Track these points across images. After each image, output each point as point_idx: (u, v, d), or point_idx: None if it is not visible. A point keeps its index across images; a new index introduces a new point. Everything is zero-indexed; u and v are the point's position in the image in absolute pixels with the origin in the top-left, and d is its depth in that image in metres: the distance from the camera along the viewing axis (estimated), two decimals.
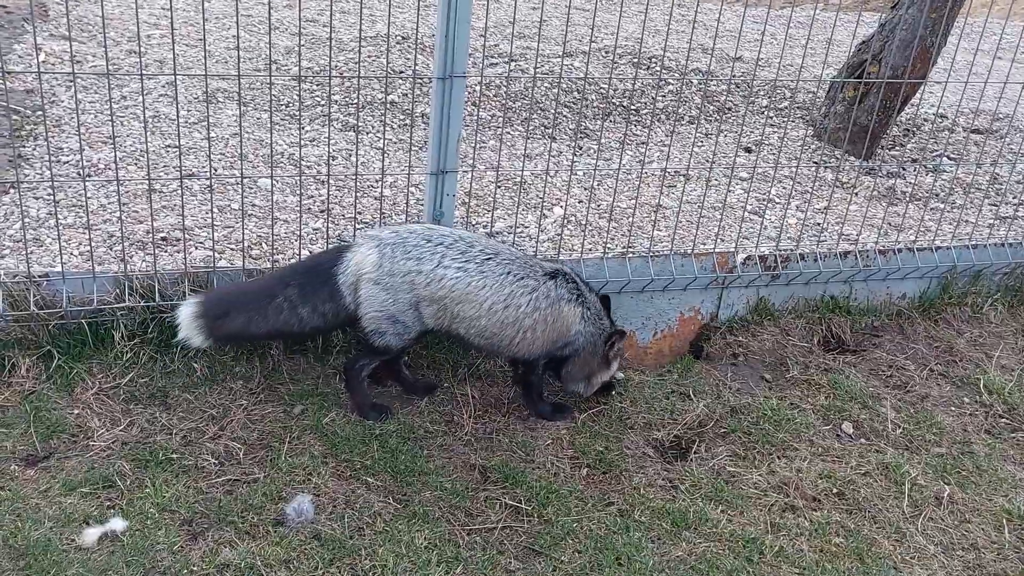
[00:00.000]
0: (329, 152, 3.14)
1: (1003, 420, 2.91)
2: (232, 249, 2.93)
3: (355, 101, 4.23)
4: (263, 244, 2.98)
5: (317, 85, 4.36)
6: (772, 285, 3.22)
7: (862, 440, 2.78)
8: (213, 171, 3.39)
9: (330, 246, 2.82)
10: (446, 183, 2.71)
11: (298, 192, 3.15)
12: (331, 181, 3.33)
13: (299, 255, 2.84)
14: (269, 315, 2.45)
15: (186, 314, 2.40)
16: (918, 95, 4.74)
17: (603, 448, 2.64)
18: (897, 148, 4.73)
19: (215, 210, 3.16)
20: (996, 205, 4.06)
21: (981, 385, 3.03)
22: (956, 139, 4.80)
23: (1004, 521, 2.48)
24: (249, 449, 2.44)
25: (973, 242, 3.45)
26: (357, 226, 3.09)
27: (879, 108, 4.29)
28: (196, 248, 2.92)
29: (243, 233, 2.89)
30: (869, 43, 4.40)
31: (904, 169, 4.45)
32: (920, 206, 3.97)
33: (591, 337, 2.68)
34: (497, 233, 3.29)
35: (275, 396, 2.64)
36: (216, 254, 2.89)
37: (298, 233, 2.95)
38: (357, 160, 2.97)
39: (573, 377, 2.75)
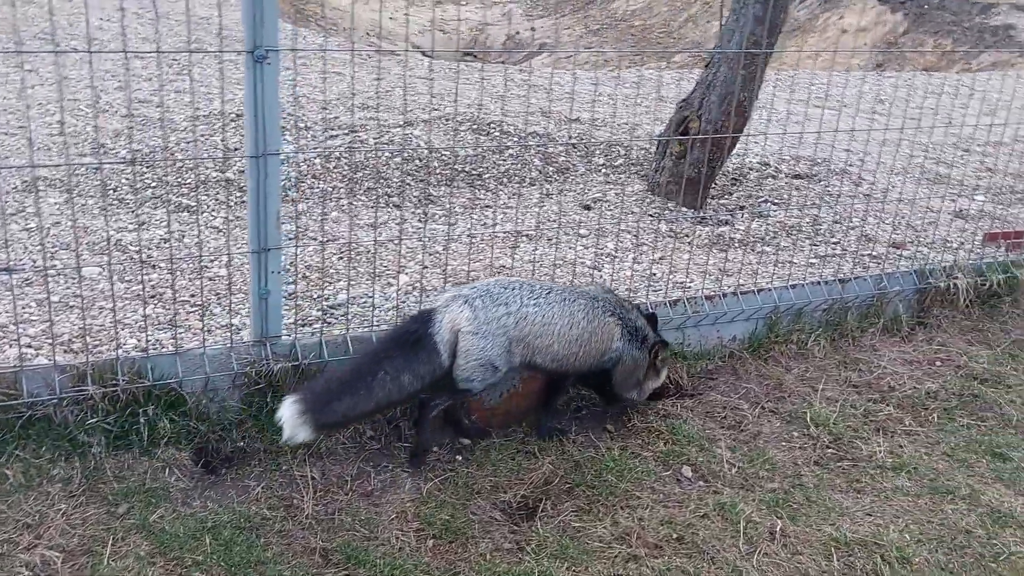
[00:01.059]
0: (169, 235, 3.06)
1: (829, 450, 3.07)
2: (51, 344, 2.79)
3: (188, 181, 4.15)
4: (86, 336, 2.86)
5: (148, 167, 4.26)
6: None
7: (700, 483, 2.87)
8: (32, 262, 3.24)
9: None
10: (270, 261, 2.68)
11: (125, 279, 3.04)
12: (161, 265, 3.24)
13: (119, 345, 2.73)
14: (374, 392, 2.62)
15: (291, 413, 2.49)
16: (741, 145, 5.05)
17: (449, 516, 2.62)
18: (726, 197, 5.00)
19: (34, 303, 3.01)
20: (816, 245, 4.33)
21: (808, 418, 3.19)
22: (779, 185, 5.12)
23: (832, 549, 2.59)
24: (68, 556, 2.30)
25: (793, 282, 3.66)
26: (187, 310, 3.00)
27: (704, 161, 4.53)
28: (10, 346, 2.77)
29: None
30: (689, 100, 4.66)
31: (733, 216, 4.70)
32: (747, 251, 4.19)
33: (632, 349, 3.02)
34: (340, 305, 3.27)
35: (97, 497, 2.50)
36: (34, 351, 2.75)
37: (119, 321, 2.84)
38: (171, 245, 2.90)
39: (624, 385, 3.08)
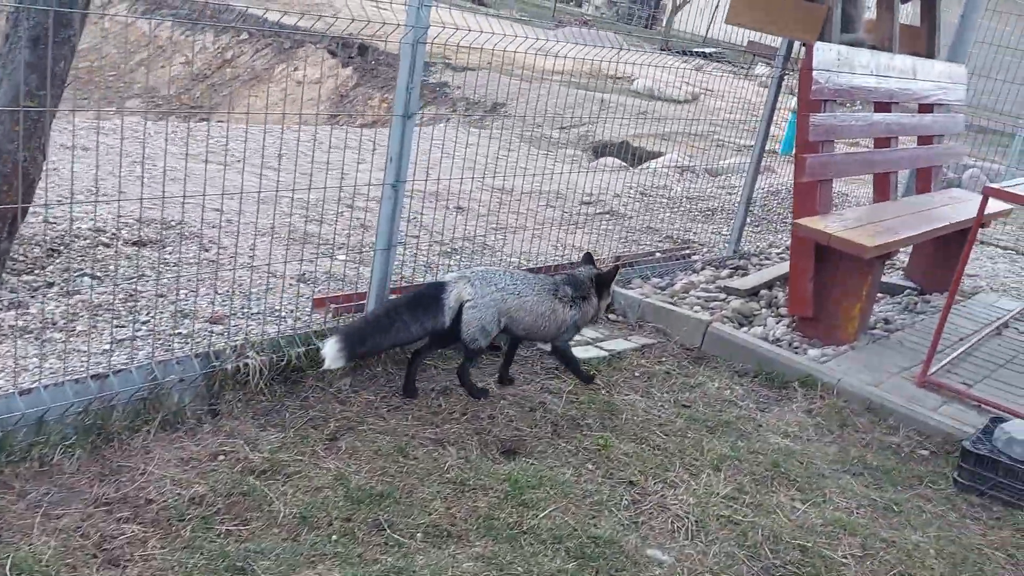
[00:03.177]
0: None
1: None
2: None
3: None
4: None
5: None
6: None
7: None
8: None
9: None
10: None
11: None
12: None
13: None
14: (390, 335, 3.67)
15: (332, 347, 3.45)
16: (83, 208, 4.32)
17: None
18: (35, 272, 4.23)
19: None
20: (123, 326, 3.76)
21: (7, 568, 2.54)
22: (109, 254, 4.48)
23: None
24: None
25: (30, 385, 3.01)
26: None
27: None
28: None
29: None
30: None
31: (34, 296, 3.94)
32: (30, 339, 3.47)
33: (579, 309, 4.02)
34: None
35: None
36: None
37: None
38: None
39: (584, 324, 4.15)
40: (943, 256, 6.26)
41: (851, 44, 5.07)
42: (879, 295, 6.23)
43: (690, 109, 12.27)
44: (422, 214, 6.38)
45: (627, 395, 4.29)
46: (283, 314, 4.15)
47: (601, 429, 3.89)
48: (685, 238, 7.14)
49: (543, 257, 5.81)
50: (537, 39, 4.62)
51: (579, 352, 4.52)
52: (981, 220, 4.35)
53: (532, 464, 3.49)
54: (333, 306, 4.20)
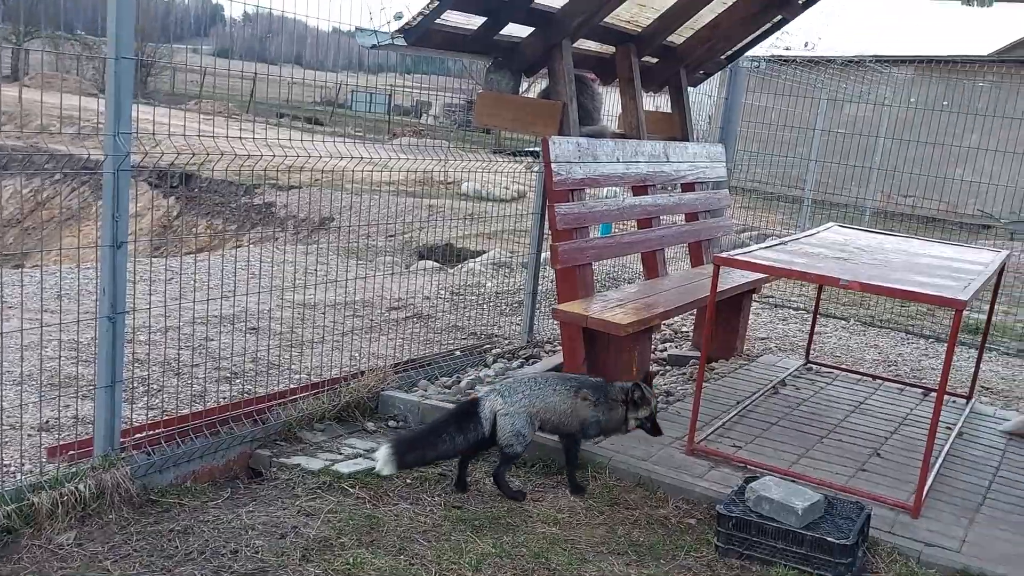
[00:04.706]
0: None
1: None
2: None
3: None
4: None
5: None
6: None
7: None
8: None
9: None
10: None
11: None
12: None
13: None
14: (438, 447, 4.16)
15: (384, 453, 4.05)
16: None
17: None
18: None
19: None
20: None
21: None
22: None
23: None
24: None
25: None
26: None
27: None
28: None
29: None
30: None
31: None
32: None
33: (602, 412, 4.41)
34: None
35: None
36: None
37: None
38: None
39: (611, 430, 4.55)
40: (725, 323, 6.54)
41: (592, 135, 5.33)
42: (667, 368, 6.42)
43: (517, 207, 12.64)
44: (208, 339, 6.20)
45: (395, 504, 4.17)
46: (13, 468, 3.88)
47: (357, 547, 3.74)
48: (489, 332, 7.20)
49: (336, 369, 5.71)
50: (351, 156, 4.62)
51: (349, 466, 4.41)
52: (716, 288, 4.54)
53: None
54: (67, 453, 3.95)
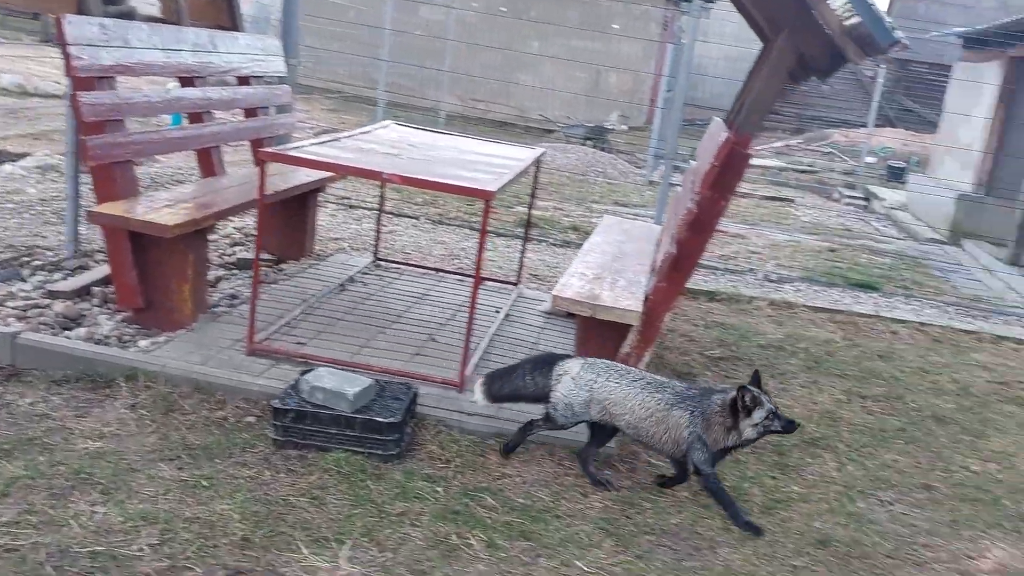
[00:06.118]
0: None
1: None
2: None
3: None
4: None
5: None
6: None
7: None
8: None
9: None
10: None
11: None
12: None
13: None
14: (515, 383, 4.16)
15: (479, 388, 4.18)
16: None
17: None
18: None
19: None
20: None
21: None
22: None
23: None
24: None
25: None
26: None
27: None
28: None
29: None
30: None
31: None
32: None
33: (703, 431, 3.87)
34: None
35: None
36: None
37: None
38: None
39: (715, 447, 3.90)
40: (293, 224, 6.50)
41: (120, 16, 4.84)
42: (235, 272, 6.25)
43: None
44: None
45: None
46: None
47: None
48: (31, 244, 6.39)
49: None
50: None
51: None
52: (264, 186, 4.45)
53: None
54: None
